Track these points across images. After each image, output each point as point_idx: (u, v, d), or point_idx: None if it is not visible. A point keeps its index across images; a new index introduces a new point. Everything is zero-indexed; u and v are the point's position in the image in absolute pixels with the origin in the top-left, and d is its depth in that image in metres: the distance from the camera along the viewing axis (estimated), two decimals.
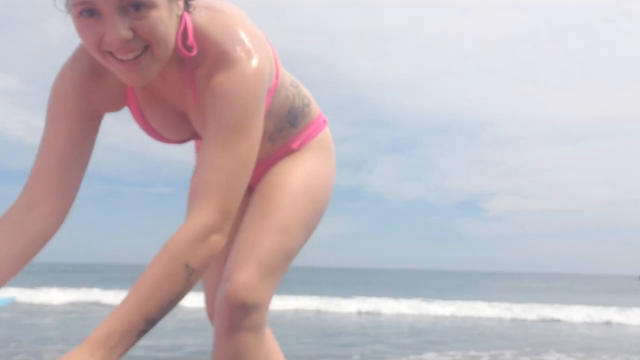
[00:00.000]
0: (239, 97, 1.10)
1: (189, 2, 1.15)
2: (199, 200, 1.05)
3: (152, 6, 1.03)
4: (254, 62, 1.13)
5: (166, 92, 1.25)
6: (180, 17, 1.14)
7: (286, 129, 1.44)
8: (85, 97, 1.23)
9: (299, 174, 1.42)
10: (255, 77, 1.12)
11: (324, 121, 1.54)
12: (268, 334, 1.45)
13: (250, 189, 1.47)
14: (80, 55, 1.24)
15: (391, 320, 10.93)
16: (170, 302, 0.99)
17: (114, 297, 12.88)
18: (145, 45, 1.06)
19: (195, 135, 1.37)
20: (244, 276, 1.26)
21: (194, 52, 1.15)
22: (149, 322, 0.96)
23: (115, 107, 1.29)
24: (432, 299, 14.22)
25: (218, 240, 1.04)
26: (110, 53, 1.05)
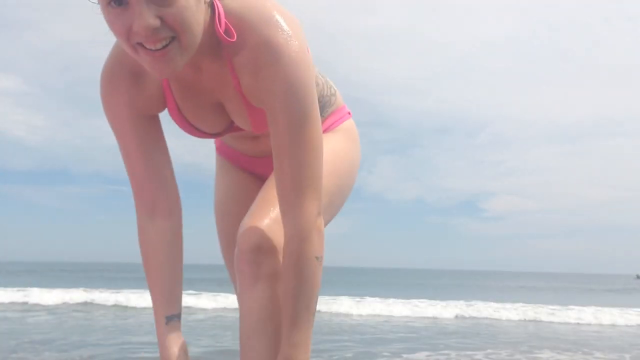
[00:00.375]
0: (299, 88, 1.13)
1: None
2: (297, 197, 1.17)
3: None
4: (298, 45, 1.14)
5: (202, 83, 1.25)
6: (211, 5, 1.13)
7: None
8: (133, 105, 1.27)
9: (326, 145, 1.38)
10: (304, 59, 1.14)
11: (349, 113, 1.55)
12: None
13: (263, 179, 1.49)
14: (115, 64, 1.26)
15: (386, 319, 10.88)
16: (319, 289, 1.20)
17: (111, 295, 12.86)
18: (172, 35, 1.06)
19: (229, 128, 1.38)
20: (259, 222, 1.24)
21: (234, 38, 1.15)
22: (314, 313, 1.20)
23: (159, 107, 1.32)
24: (428, 298, 14.20)
25: (322, 221, 1.21)
26: (140, 44, 1.06)
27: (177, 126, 1.36)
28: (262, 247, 1.22)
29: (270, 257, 1.22)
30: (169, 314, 1.29)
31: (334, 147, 1.43)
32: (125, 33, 1.06)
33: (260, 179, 1.59)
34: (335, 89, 1.51)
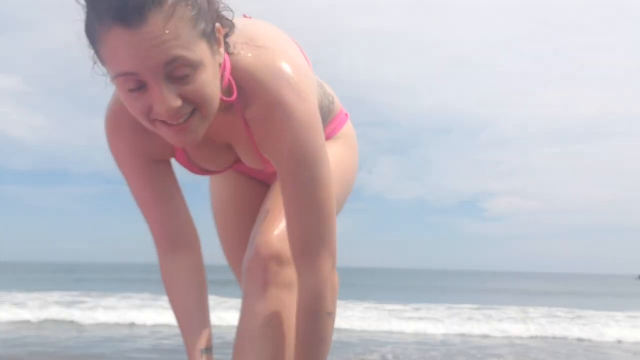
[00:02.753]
0: (307, 153, 1.13)
1: (228, 42, 1.12)
2: (311, 257, 1.18)
3: (198, 68, 1.00)
4: (308, 104, 1.13)
5: (213, 132, 1.23)
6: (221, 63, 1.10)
7: None
8: (139, 154, 1.25)
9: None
10: (314, 121, 1.13)
11: (346, 115, 1.55)
12: None
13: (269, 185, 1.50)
14: (119, 112, 1.21)
15: (364, 320, 10.14)
16: (329, 343, 1.23)
17: (110, 299, 12.84)
18: (193, 108, 1.04)
19: (236, 163, 1.38)
20: (277, 229, 1.25)
21: (234, 97, 1.13)
22: None
23: (167, 154, 1.30)
24: (419, 302, 14.09)
25: (336, 278, 1.22)
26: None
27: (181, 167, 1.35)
28: (281, 256, 1.22)
29: (286, 267, 1.23)
30: (204, 347, 1.28)
31: (336, 155, 1.43)
32: (144, 113, 1.03)
33: (261, 183, 1.58)
34: (333, 95, 1.50)
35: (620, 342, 8.53)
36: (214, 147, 1.29)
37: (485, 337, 8.64)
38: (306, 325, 1.20)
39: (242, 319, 1.25)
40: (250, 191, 1.57)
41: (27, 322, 8.97)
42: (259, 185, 1.57)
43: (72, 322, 9.02)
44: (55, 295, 13.50)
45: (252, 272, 1.24)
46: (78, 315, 9.57)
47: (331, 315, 1.21)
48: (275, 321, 1.21)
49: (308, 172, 1.14)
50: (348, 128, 1.53)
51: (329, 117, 1.48)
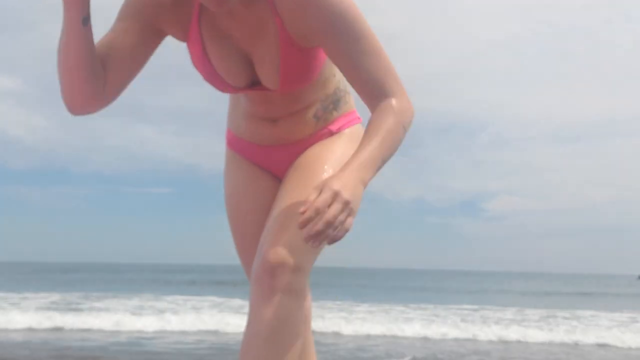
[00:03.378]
0: (342, 11, 1.21)
1: None
2: (382, 93, 1.27)
3: None
4: None
5: (235, 30, 1.28)
6: None
7: (329, 110, 1.49)
8: (155, 12, 1.29)
9: (337, 153, 1.44)
10: None
11: (359, 118, 1.57)
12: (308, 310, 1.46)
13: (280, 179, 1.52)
14: None
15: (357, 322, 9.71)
16: (394, 151, 1.28)
17: (113, 301, 12.80)
18: None
19: (251, 86, 1.38)
20: (285, 237, 1.26)
21: None
22: (384, 161, 1.25)
23: (179, 33, 1.33)
24: (418, 302, 14.04)
25: (412, 107, 1.30)
26: None
27: (198, 73, 1.36)
28: (288, 263, 1.22)
29: (294, 274, 1.23)
30: (86, 15, 1.20)
31: (342, 151, 1.44)
32: None
33: (275, 178, 1.58)
34: (348, 91, 1.53)
35: (620, 343, 8.47)
36: (232, 53, 1.32)
37: (484, 338, 8.64)
38: (389, 119, 1.25)
39: (249, 325, 1.25)
40: (262, 189, 1.57)
41: (26, 323, 8.97)
42: (271, 183, 1.57)
43: (71, 324, 9.02)
44: (55, 296, 13.50)
45: (259, 279, 1.24)
46: (77, 316, 9.56)
47: (405, 131, 1.28)
48: (281, 327, 1.20)
49: (349, 27, 1.22)
50: (357, 129, 1.54)
51: (345, 108, 1.52)
